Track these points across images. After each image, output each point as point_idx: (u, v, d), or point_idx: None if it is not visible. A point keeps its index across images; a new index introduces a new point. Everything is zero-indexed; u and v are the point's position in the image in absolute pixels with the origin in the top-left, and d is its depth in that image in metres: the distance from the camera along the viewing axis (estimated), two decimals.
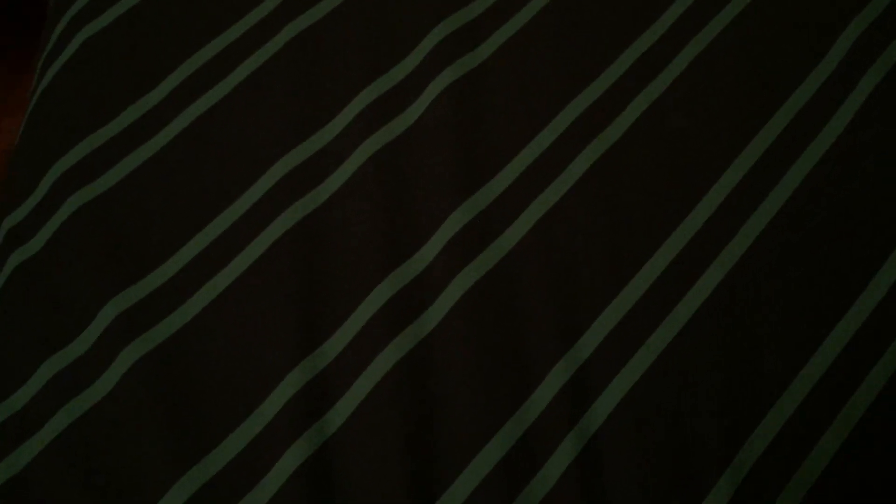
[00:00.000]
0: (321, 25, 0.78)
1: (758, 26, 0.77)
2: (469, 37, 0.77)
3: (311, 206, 0.69)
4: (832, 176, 0.70)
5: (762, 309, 0.64)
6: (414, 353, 0.63)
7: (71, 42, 0.79)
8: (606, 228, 0.68)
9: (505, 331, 0.64)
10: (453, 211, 0.68)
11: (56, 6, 0.83)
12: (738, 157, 0.71)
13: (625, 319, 0.64)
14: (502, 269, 0.66)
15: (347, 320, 0.64)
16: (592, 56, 0.76)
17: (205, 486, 0.59)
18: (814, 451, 0.59)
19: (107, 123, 0.74)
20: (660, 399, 0.61)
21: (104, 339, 0.64)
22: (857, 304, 0.64)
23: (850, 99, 0.74)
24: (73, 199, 0.70)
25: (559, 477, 0.59)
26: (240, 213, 0.69)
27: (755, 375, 0.62)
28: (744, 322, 0.64)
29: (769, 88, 0.74)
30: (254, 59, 0.77)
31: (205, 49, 0.77)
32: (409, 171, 0.71)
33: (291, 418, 0.60)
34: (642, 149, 0.71)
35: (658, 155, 0.71)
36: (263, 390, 0.62)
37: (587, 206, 0.69)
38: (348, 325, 0.64)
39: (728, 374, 0.62)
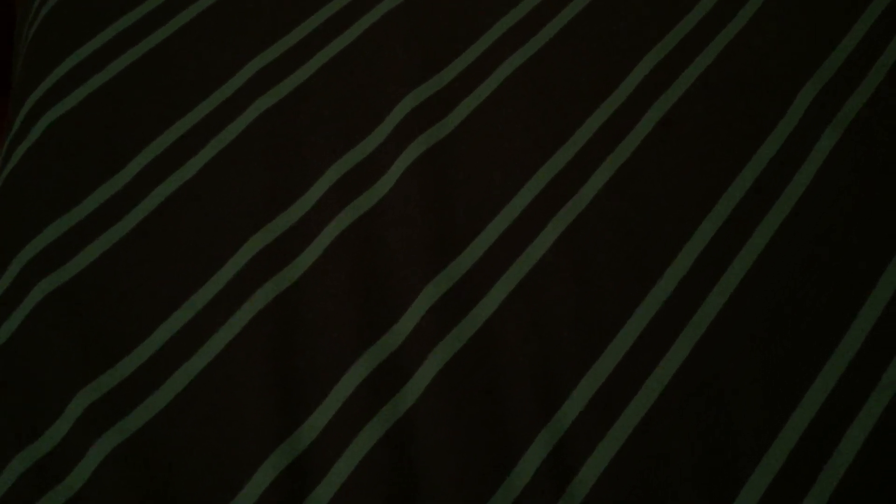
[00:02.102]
0: (289, 100, 0.79)
1: (717, 88, 0.79)
2: (438, 107, 0.78)
3: (284, 284, 0.69)
4: (799, 233, 0.71)
5: (735, 377, 0.64)
6: (393, 431, 0.62)
7: (36, 125, 0.78)
8: (580, 296, 0.68)
9: (485, 403, 0.64)
10: (428, 283, 0.68)
11: (20, 88, 0.83)
12: (703, 220, 0.71)
13: (603, 388, 0.64)
14: (479, 339, 0.66)
15: (325, 401, 0.64)
16: (559, 122, 0.77)
17: None
18: None
19: (73, 207, 0.73)
20: (641, 468, 0.61)
21: (76, 431, 0.62)
22: (829, 364, 0.65)
23: (811, 156, 0.75)
24: (39, 287, 0.69)
25: None
26: (212, 294, 0.68)
27: (730, 447, 0.62)
28: (716, 391, 0.64)
29: (732, 150, 0.75)
30: (222, 137, 0.77)
31: (173, 128, 0.77)
32: (382, 245, 0.71)
33: None
34: (610, 215, 0.72)
35: (626, 221, 0.72)
36: (241, 477, 0.61)
37: (560, 274, 0.69)
38: (325, 405, 0.63)
39: (705, 444, 0.62)
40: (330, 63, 0.81)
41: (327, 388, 0.64)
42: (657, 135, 0.76)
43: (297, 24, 0.83)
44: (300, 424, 0.63)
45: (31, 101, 0.80)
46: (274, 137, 0.76)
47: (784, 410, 0.63)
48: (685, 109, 0.78)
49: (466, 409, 0.63)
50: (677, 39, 0.82)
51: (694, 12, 0.84)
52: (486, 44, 0.82)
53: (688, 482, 0.60)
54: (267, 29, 0.83)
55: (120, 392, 0.64)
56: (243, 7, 0.85)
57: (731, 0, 0.85)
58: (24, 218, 0.73)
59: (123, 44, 0.82)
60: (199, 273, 0.69)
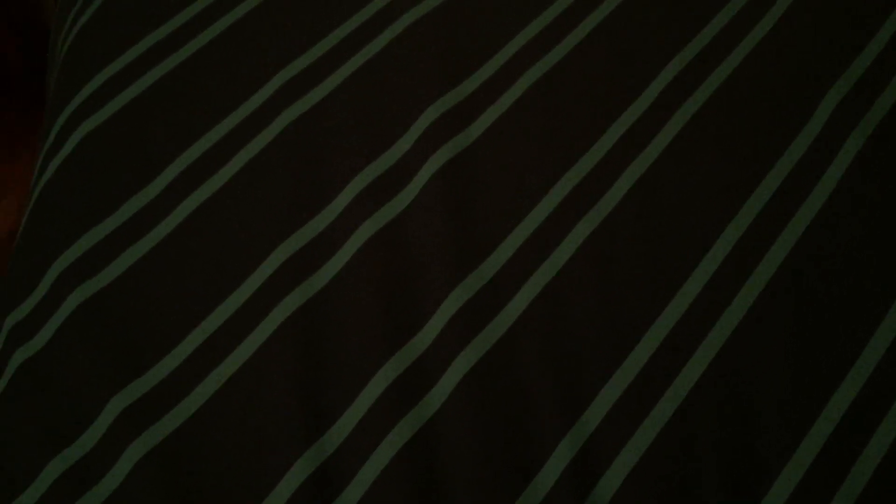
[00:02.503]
0: (315, 111, 0.80)
1: (740, 95, 0.79)
2: (461, 116, 0.79)
3: (310, 292, 0.70)
4: (821, 243, 0.71)
5: (760, 380, 0.64)
6: (419, 435, 0.63)
7: (70, 137, 0.80)
8: (603, 301, 0.68)
9: (509, 408, 0.64)
10: (452, 290, 0.69)
11: (54, 101, 0.85)
12: (727, 226, 0.71)
13: (627, 392, 0.64)
14: (504, 345, 0.67)
15: (351, 406, 0.64)
16: (581, 130, 0.77)
17: None
18: None
19: (106, 218, 0.74)
20: (666, 472, 0.61)
21: (109, 436, 0.64)
22: (856, 366, 0.65)
23: (836, 162, 0.75)
24: (74, 296, 0.70)
25: None
26: (240, 302, 0.69)
27: (756, 449, 0.62)
28: (742, 394, 0.64)
29: (755, 157, 0.75)
30: (251, 147, 0.78)
31: (202, 140, 0.79)
32: (407, 253, 0.71)
33: None
34: (633, 221, 0.72)
35: (650, 228, 0.72)
36: (271, 482, 0.62)
37: (583, 279, 0.69)
38: (352, 411, 0.64)
39: (731, 447, 0.62)
40: (355, 74, 0.82)
41: (353, 393, 0.65)
42: (680, 143, 0.76)
43: (323, 37, 0.85)
44: (327, 429, 0.64)
45: (66, 114, 0.82)
46: (300, 147, 0.78)
47: (811, 411, 0.63)
48: (708, 117, 0.78)
49: (491, 413, 0.64)
50: (700, 47, 0.82)
51: (716, 20, 0.84)
52: (508, 54, 0.83)
53: (714, 485, 0.60)
54: (293, 41, 0.84)
55: (151, 398, 0.65)
56: (269, 20, 0.86)
57: (754, 7, 0.85)
58: (58, 228, 0.74)
59: (154, 58, 0.84)
60: (227, 282, 0.71)
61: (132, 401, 0.65)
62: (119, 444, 0.63)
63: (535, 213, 0.73)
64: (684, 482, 0.61)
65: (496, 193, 0.74)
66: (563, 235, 0.72)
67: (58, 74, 0.88)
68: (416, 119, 0.79)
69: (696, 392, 0.64)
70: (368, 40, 0.84)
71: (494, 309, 0.68)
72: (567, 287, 0.69)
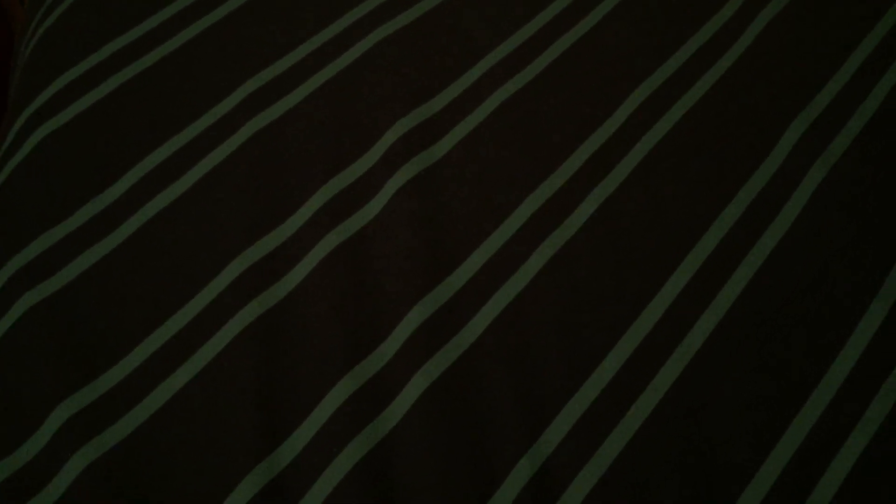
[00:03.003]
0: (281, 122, 0.79)
1: (705, 123, 0.80)
2: (428, 133, 0.79)
3: (270, 303, 0.69)
4: (782, 271, 0.71)
5: (721, 403, 0.64)
6: (374, 452, 0.62)
7: (28, 140, 0.78)
8: (566, 321, 0.68)
9: (467, 427, 0.63)
10: (413, 306, 0.68)
11: (15, 104, 0.83)
12: (689, 252, 0.72)
13: (588, 411, 0.64)
14: (463, 364, 0.66)
15: (306, 420, 0.63)
16: (548, 151, 0.77)
17: None
18: None
19: (62, 221, 0.73)
20: (627, 492, 0.60)
21: (54, 444, 0.62)
22: (812, 398, 0.65)
23: (798, 191, 0.76)
24: (24, 299, 0.68)
25: None
26: (196, 311, 0.68)
27: (719, 470, 0.62)
28: (703, 415, 0.64)
29: (719, 184, 0.76)
30: (214, 156, 0.77)
31: (163, 147, 0.78)
32: (369, 267, 0.71)
33: None
34: (597, 243, 0.72)
35: (613, 251, 0.72)
36: (220, 495, 0.60)
37: (546, 298, 0.69)
38: (307, 425, 0.63)
39: (693, 467, 0.62)
40: (323, 87, 0.82)
41: (309, 407, 0.64)
42: (645, 168, 0.77)
43: (293, 48, 0.84)
44: (281, 443, 0.62)
45: (25, 116, 0.80)
46: (264, 158, 0.77)
47: (768, 441, 0.63)
48: (673, 143, 0.78)
49: (449, 432, 0.63)
50: (667, 74, 0.83)
51: (685, 48, 0.85)
52: (477, 74, 0.83)
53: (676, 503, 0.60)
54: (260, 52, 0.84)
55: (100, 406, 0.64)
56: (237, 31, 0.86)
57: (722, 37, 0.86)
58: (11, 230, 0.73)
59: (118, 63, 0.83)
60: (184, 290, 0.69)
61: (80, 408, 0.63)
62: (64, 452, 0.61)
63: (499, 232, 0.73)
64: (645, 502, 0.60)
65: (461, 211, 0.74)
66: (527, 254, 0.72)
67: (19, 77, 0.86)
68: (383, 134, 0.78)
69: (655, 414, 0.64)
70: (338, 54, 0.84)
71: (456, 326, 0.68)
72: (530, 306, 0.69)
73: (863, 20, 0.88)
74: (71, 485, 0.60)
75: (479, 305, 0.69)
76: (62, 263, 0.71)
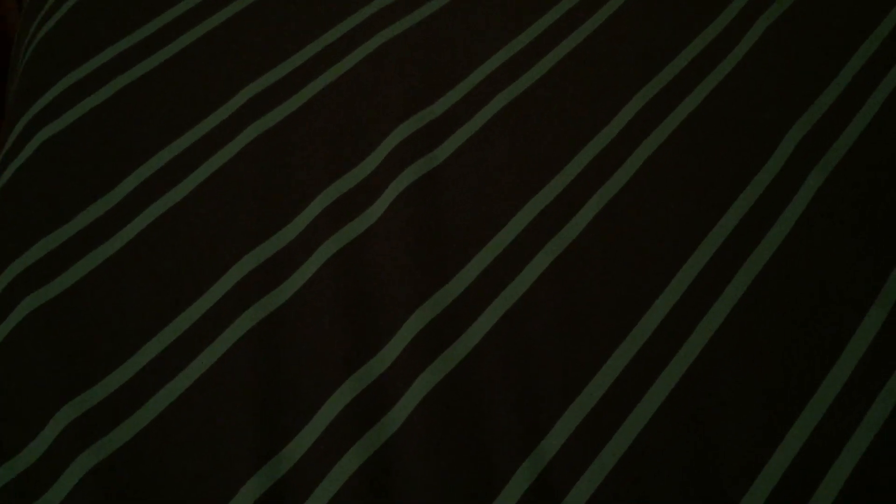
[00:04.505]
0: (282, 126, 0.79)
1: (704, 129, 0.80)
2: (430, 137, 0.79)
3: (270, 308, 0.69)
4: (781, 277, 0.71)
5: (722, 408, 0.65)
6: (375, 458, 0.62)
7: (29, 143, 0.78)
8: (566, 327, 0.68)
9: (468, 431, 0.63)
10: (414, 311, 0.68)
11: (15, 107, 0.83)
12: (689, 258, 0.72)
13: (588, 418, 0.64)
14: (465, 369, 0.66)
15: (307, 425, 0.63)
16: (549, 157, 0.78)
17: None
18: None
19: (63, 224, 0.73)
20: (627, 499, 0.61)
21: (55, 448, 0.62)
22: (812, 401, 0.65)
23: (796, 198, 0.76)
24: (25, 303, 0.68)
25: None
26: (197, 315, 0.68)
27: (719, 475, 0.62)
28: (704, 421, 0.64)
29: (718, 190, 0.76)
30: (215, 160, 0.77)
31: (165, 150, 0.78)
32: (370, 271, 0.71)
33: None
34: (598, 249, 0.72)
35: (614, 255, 0.72)
36: (222, 500, 0.60)
37: (547, 305, 0.69)
38: (308, 430, 0.63)
39: (693, 474, 0.62)
40: (324, 91, 0.82)
41: (310, 412, 0.64)
42: (645, 173, 0.77)
43: (294, 52, 0.85)
44: (282, 448, 0.62)
45: (26, 120, 0.80)
46: (266, 162, 0.77)
47: (769, 445, 0.63)
48: (673, 149, 0.79)
49: (449, 437, 0.63)
50: (667, 80, 0.84)
51: (684, 54, 0.86)
52: (478, 78, 0.83)
53: None
54: (263, 56, 0.84)
55: (102, 410, 0.63)
56: (239, 34, 0.86)
57: (720, 44, 0.87)
58: (13, 234, 0.72)
59: (120, 66, 0.83)
60: (185, 294, 0.69)
61: (81, 413, 0.63)
62: (65, 457, 0.61)
63: (500, 237, 0.73)
64: None
65: (462, 216, 0.74)
66: (527, 260, 0.72)
67: (19, 81, 0.86)
68: (384, 139, 0.79)
69: (656, 419, 0.64)
70: (339, 58, 0.84)
71: (456, 332, 0.68)
72: (530, 312, 0.69)
73: (860, 27, 0.88)
74: (71, 491, 0.60)
75: (479, 311, 0.69)
76: (63, 268, 0.70)
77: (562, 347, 0.67)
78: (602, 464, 0.62)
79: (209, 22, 0.87)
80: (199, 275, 0.70)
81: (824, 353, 0.67)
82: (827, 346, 0.68)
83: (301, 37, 0.86)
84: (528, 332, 0.68)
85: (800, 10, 0.90)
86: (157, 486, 0.61)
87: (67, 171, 0.76)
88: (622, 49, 0.86)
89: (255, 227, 0.73)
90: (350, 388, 0.64)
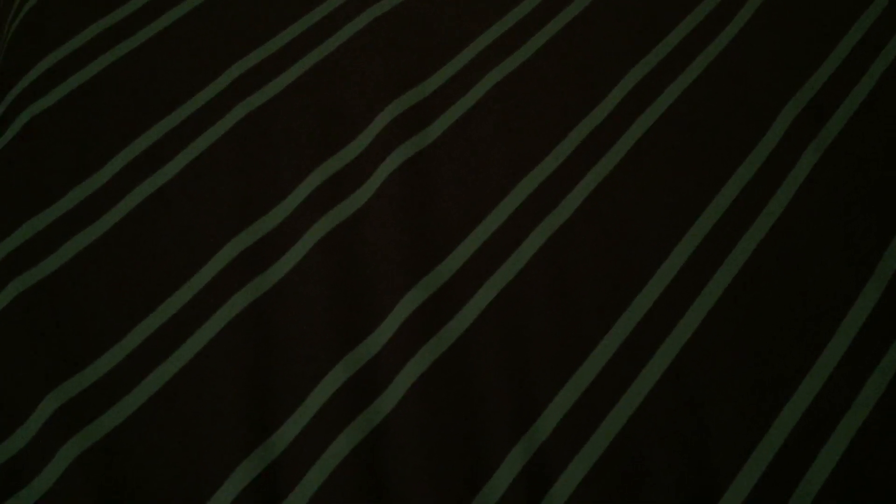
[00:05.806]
0: (272, 105, 0.78)
1: (698, 107, 0.79)
2: (420, 116, 0.78)
3: (261, 290, 0.68)
4: (776, 255, 0.71)
5: (715, 388, 0.64)
6: (368, 440, 0.62)
7: (13, 123, 0.77)
8: (559, 307, 0.68)
9: (461, 414, 0.63)
10: (407, 292, 0.68)
11: None
12: (684, 237, 0.72)
13: (581, 399, 0.64)
14: (457, 350, 0.66)
15: (299, 408, 0.63)
16: (540, 136, 0.77)
17: None
18: None
19: (50, 206, 0.72)
20: (619, 479, 0.61)
21: (43, 434, 0.61)
22: (805, 381, 0.65)
23: (792, 175, 0.76)
24: (12, 286, 0.68)
25: None
26: (187, 298, 0.67)
27: (711, 455, 0.62)
28: (696, 401, 0.64)
29: (713, 168, 0.76)
30: (202, 140, 0.76)
31: (151, 131, 0.76)
32: (361, 252, 0.70)
33: None
34: (591, 228, 0.72)
35: (607, 235, 0.72)
36: (213, 485, 0.60)
37: (539, 285, 0.69)
38: (299, 413, 0.63)
39: (685, 453, 0.62)
40: (312, 71, 0.81)
41: (302, 395, 0.63)
42: (638, 152, 0.76)
43: (281, 30, 0.83)
44: (274, 431, 0.62)
45: (10, 98, 0.79)
46: (254, 143, 0.76)
47: (762, 425, 0.63)
48: (666, 127, 0.78)
49: (442, 419, 0.62)
50: (659, 58, 0.83)
51: (676, 31, 0.85)
52: (469, 56, 0.82)
53: (665, 495, 0.60)
54: (248, 35, 0.83)
55: (90, 395, 0.63)
56: (225, 13, 0.84)
57: (713, 21, 0.86)
58: None
59: (105, 44, 0.82)
60: (174, 277, 0.68)
61: (69, 397, 0.63)
62: (53, 442, 0.61)
63: (492, 217, 0.72)
64: (638, 489, 0.60)
65: (454, 195, 0.73)
66: (520, 240, 0.71)
67: (3, 59, 0.85)
68: (374, 118, 0.78)
69: (650, 400, 0.64)
70: (327, 36, 0.83)
71: (449, 313, 0.67)
72: (523, 292, 0.68)
73: (854, 4, 0.87)
74: (60, 477, 0.60)
75: (472, 291, 0.68)
76: (50, 250, 0.70)
77: (555, 328, 0.67)
78: (595, 445, 0.62)
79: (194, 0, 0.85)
80: (188, 257, 0.69)
81: (818, 333, 0.67)
82: (821, 326, 0.67)
83: (288, 14, 0.84)
84: (521, 312, 0.67)
85: None
86: (145, 472, 0.60)
87: (53, 151, 0.75)
88: (614, 27, 0.85)
89: (243, 208, 0.72)
90: (342, 371, 0.64)
